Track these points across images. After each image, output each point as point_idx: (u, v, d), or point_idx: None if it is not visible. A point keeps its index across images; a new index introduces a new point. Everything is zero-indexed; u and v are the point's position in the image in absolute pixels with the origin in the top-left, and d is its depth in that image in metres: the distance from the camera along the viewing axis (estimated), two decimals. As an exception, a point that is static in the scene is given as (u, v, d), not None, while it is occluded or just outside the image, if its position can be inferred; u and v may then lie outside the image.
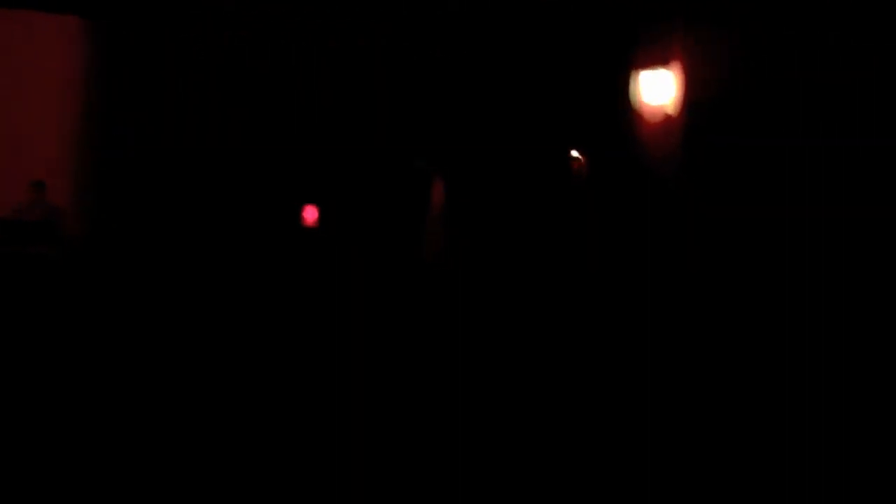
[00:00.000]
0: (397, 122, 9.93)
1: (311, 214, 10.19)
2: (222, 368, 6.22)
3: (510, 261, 9.04)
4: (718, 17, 7.32)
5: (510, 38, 9.60)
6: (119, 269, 8.30)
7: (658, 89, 8.06)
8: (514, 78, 9.62)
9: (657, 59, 8.15)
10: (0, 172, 8.93)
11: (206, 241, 9.15)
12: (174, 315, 7.60)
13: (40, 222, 8.32)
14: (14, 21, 9.38)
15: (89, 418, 5.06)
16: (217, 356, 6.50)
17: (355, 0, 9.78)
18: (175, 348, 6.65)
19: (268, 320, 7.62)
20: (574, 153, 9.12)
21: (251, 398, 5.58)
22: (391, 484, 4.27)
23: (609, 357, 6.85)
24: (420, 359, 6.75)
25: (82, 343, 6.71)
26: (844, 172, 6.08)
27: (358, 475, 4.36)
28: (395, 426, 5.14)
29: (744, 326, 6.52)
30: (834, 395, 5.40)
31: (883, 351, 5.64)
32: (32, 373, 5.97)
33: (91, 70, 9.49)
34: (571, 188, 9.13)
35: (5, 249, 8.00)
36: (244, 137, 9.76)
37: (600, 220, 8.76)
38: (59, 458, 4.46)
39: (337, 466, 4.44)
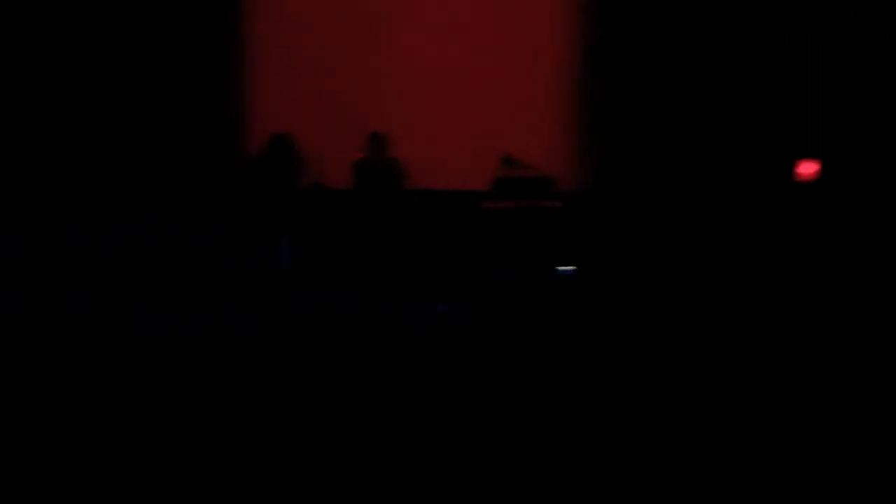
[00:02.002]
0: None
1: (807, 169, 9.35)
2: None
3: None
4: None
5: None
6: (631, 222, 8.10)
7: None
8: None
9: None
10: (491, 121, 9.11)
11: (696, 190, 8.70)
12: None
13: (538, 177, 8.39)
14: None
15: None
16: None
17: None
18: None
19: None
20: None
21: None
22: None
23: None
24: None
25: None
26: None
27: None
28: None
29: None
30: None
31: None
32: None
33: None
34: None
35: (508, 204, 8.16)
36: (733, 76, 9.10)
37: None
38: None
39: None
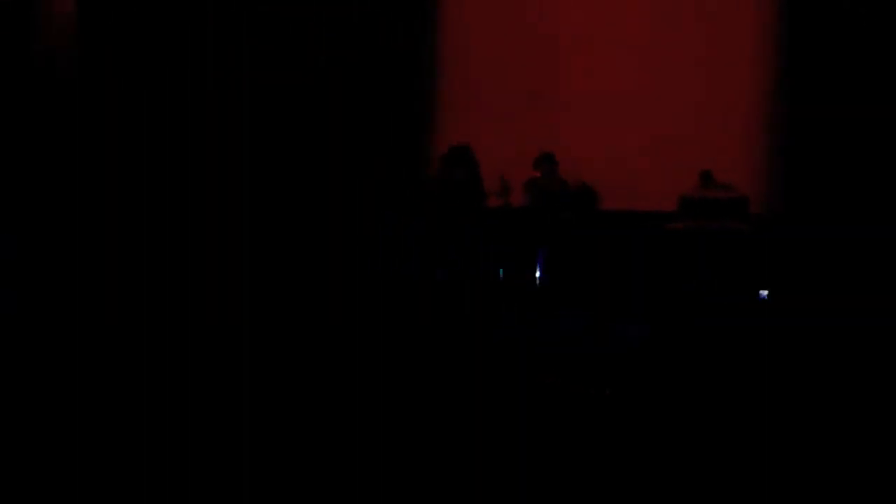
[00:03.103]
0: None
1: None
2: None
3: None
4: None
5: None
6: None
7: None
8: None
9: None
10: (681, 142, 8.91)
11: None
12: None
13: (732, 199, 8.14)
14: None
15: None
16: None
17: None
18: None
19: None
20: None
21: None
22: None
23: None
24: None
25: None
26: None
27: None
28: None
29: None
30: None
31: None
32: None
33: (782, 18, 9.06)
34: None
35: (698, 225, 7.95)
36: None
37: None
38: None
39: None
